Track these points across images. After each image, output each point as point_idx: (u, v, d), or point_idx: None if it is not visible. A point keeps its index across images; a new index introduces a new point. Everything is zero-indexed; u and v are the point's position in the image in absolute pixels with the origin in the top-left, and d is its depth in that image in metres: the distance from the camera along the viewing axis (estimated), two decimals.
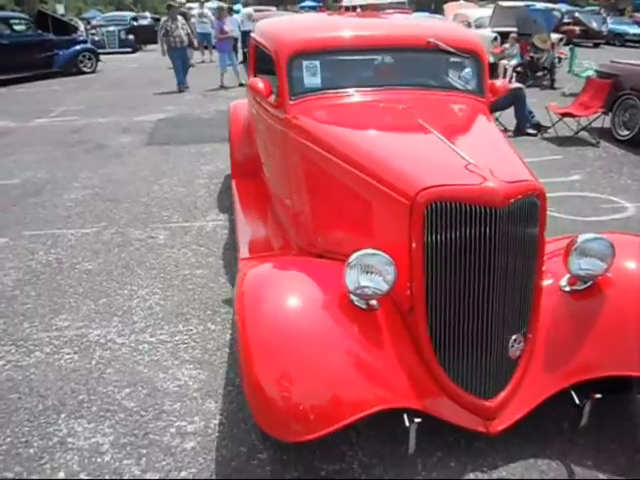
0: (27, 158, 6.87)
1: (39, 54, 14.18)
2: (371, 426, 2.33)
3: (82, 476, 2.19)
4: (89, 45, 16.06)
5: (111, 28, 22.86)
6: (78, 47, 15.35)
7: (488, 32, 13.30)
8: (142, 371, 2.79)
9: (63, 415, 2.51)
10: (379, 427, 2.32)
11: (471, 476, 2.16)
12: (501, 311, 2.12)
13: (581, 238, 2.20)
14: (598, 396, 2.10)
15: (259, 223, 3.84)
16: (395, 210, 2.18)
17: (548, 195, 2.23)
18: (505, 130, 7.84)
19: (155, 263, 3.92)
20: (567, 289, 2.31)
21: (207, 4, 17.04)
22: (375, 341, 2.10)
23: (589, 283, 2.28)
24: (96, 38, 22.86)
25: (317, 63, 3.13)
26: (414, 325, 2.17)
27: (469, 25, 14.56)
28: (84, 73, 15.26)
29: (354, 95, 3.09)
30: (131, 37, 22.72)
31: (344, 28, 3.30)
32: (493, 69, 12.35)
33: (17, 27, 13.80)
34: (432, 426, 2.12)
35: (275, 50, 3.21)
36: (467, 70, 3.33)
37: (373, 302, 2.16)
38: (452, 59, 3.30)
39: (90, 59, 15.55)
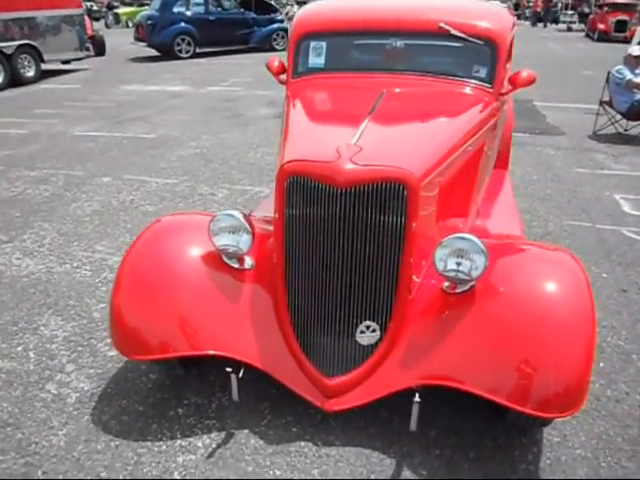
0: (176, 118, 8.06)
1: (240, 31, 15.97)
2: (259, 381, 2.51)
3: (31, 355, 2.83)
4: (284, 24, 17.50)
5: None
6: (274, 26, 16.87)
7: None
8: None
9: (50, 311, 3.20)
10: (261, 383, 2.48)
11: (302, 444, 2.27)
12: (346, 294, 2.16)
13: (452, 236, 2.10)
14: (416, 399, 2.03)
15: None
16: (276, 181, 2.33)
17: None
18: None
19: None
20: (448, 290, 2.22)
21: None
22: (235, 296, 2.33)
23: (467, 287, 2.16)
24: None
25: (323, 44, 3.30)
26: (276, 291, 2.32)
27: None
28: (276, 50, 16.72)
29: (349, 78, 3.19)
30: None
31: (356, 11, 3.38)
32: None
33: (225, 5, 15.70)
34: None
35: (290, 32, 3.45)
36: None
37: (249, 261, 2.38)
38: (466, 44, 3.15)
39: (283, 38, 16.96)
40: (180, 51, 14.97)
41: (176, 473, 2.14)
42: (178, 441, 2.29)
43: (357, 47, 3.36)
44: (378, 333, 2.22)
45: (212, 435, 2.32)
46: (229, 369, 2.18)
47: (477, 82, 3.09)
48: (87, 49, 13.22)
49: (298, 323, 2.28)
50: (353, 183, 2.03)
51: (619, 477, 2.17)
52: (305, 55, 3.33)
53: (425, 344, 2.18)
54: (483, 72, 3.12)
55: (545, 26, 28.09)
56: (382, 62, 3.33)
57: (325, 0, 3.92)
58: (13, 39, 10.74)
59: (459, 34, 3.05)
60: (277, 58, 3.60)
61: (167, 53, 14.94)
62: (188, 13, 15.01)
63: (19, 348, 2.88)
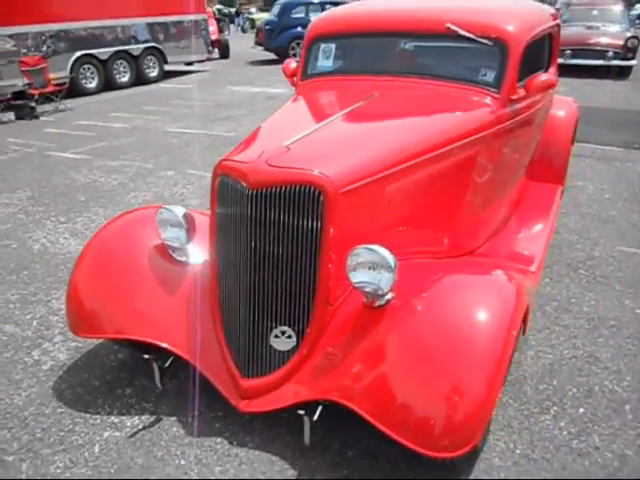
0: (262, 117, 8.37)
1: None
2: None
3: (34, 324, 3.18)
4: None
5: None
6: None
7: None
8: None
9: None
10: None
11: (217, 440, 2.31)
12: (259, 296, 2.15)
13: (361, 246, 1.98)
14: (300, 412, 1.98)
15: None
16: None
17: None
18: None
19: None
20: (367, 303, 2.11)
21: None
22: (177, 288, 2.43)
23: (383, 302, 2.04)
24: None
25: (333, 47, 3.29)
26: (210, 288, 2.38)
27: None
28: None
29: (352, 80, 3.14)
30: None
31: (368, 14, 3.31)
32: None
33: None
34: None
35: (305, 35, 3.47)
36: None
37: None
38: (475, 46, 2.93)
39: None
40: (295, 55, 15.50)
41: (97, 446, 2.30)
42: (112, 418, 2.44)
43: (366, 49, 3.28)
44: (294, 340, 2.18)
45: (143, 417, 2.44)
46: (146, 356, 2.28)
47: (482, 86, 2.87)
48: (209, 52, 14.22)
49: (224, 321, 2.32)
50: (263, 185, 2.03)
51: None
52: (315, 58, 3.34)
53: (339, 358, 2.10)
54: (491, 76, 2.89)
55: None
56: (389, 64, 3.21)
57: (344, 5, 3.88)
58: (141, 42, 11.90)
59: (467, 34, 2.86)
60: (295, 61, 3.65)
61: (283, 57, 15.54)
62: (310, 17, 15.49)
63: (28, 316, 3.25)
